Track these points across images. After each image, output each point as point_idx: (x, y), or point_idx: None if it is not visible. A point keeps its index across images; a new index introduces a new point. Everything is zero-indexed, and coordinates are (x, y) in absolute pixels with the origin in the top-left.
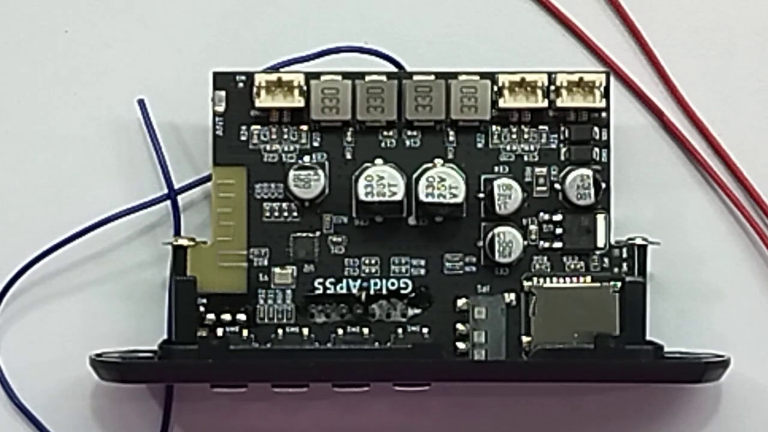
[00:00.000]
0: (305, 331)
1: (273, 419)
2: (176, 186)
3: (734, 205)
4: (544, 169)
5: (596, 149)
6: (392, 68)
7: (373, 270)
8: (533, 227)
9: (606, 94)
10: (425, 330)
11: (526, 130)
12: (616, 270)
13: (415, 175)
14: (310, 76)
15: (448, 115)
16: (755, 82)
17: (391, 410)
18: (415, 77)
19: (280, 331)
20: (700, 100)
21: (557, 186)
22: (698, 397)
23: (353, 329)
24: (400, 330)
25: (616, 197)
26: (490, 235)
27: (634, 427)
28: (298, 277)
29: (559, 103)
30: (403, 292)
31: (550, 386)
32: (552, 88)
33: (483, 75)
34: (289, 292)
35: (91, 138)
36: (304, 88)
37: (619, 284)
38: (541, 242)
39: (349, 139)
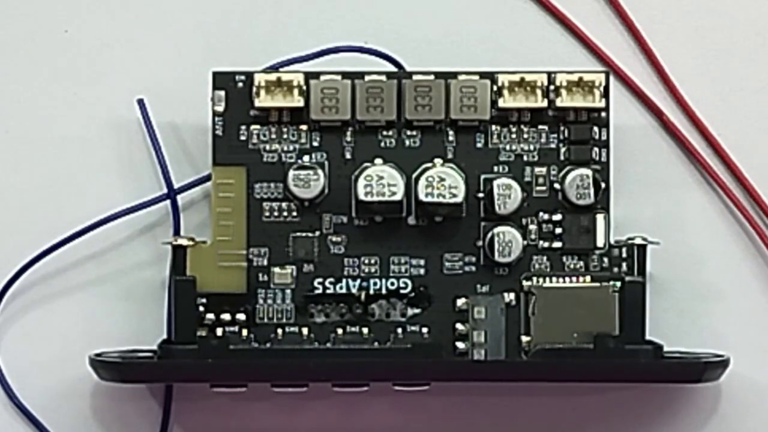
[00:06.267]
0: (305, 330)
1: (273, 419)
2: (176, 186)
3: (734, 205)
4: (544, 169)
5: (596, 149)
6: (392, 68)
7: (373, 270)
8: (533, 227)
9: (606, 94)
10: (425, 330)
11: (525, 129)
12: (615, 270)
13: (414, 175)
14: (309, 75)
15: (447, 114)
16: (755, 82)
17: (390, 410)
18: (415, 77)
19: (279, 330)
20: (699, 100)
21: (557, 186)
22: (698, 396)
23: (353, 329)
24: (399, 330)
25: (616, 197)
26: (489, 235)
27: (634, 427)
28: (297, 276)
29: (559, 102)
30: (402, 291)
31: (550, 386)
32: (552, 87)
33: (483, 75)
34: (288, 291)
35: (91, 138)
36: (304, 87)
37: (618, 284)
38: (541, 242)
39: (348, 138)
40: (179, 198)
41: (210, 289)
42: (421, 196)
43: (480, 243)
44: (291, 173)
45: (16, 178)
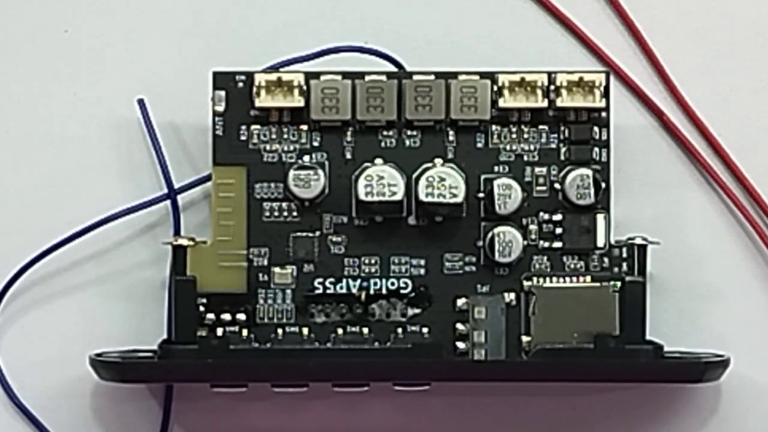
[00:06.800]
0: (305, 330)
1: (273, 419)
2: (176, 186)
3: (734, 205)
4: (544, 169)
5: (596, 149)
6: (392, 68)
7: (373, 270)
8: (533, 227)
9: (606, 94)
10: (425, 330)
11: (525, 129)
12: (615, 270)
13: (414, 175)
14: (309, 75)
15: (447, 114)
16: (755, 82)
17: (391, 410)
18: (415, 77)
19: (279, 330)
20: (700, 100)
21: (557, 186)
22: (698, 396)
23: (353, 329)
24: (399, 330)
25: (616, 197)
26: (489, 235)
27: (634, 427)
28: (297, 276)
29: (559, 102)
30: (402, 291)
31: (550, 386)
32: (552, 87)
33: (483, 75)
34: (288, 291)
35: (91, 138)
36: (304, 87)
37: (618, 284)
38: (541, 242)
39: (348, 138)
40: (179, 198)
41: (210, 289)
42: (422, 196)
43: (480, 243)
44: (291, 173)
45: (16, 178)
